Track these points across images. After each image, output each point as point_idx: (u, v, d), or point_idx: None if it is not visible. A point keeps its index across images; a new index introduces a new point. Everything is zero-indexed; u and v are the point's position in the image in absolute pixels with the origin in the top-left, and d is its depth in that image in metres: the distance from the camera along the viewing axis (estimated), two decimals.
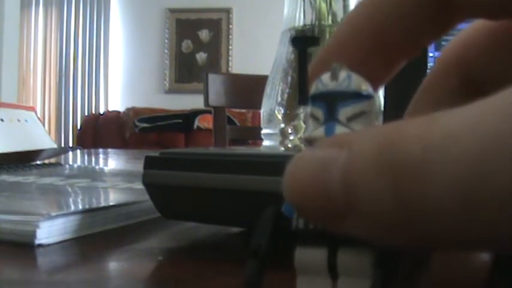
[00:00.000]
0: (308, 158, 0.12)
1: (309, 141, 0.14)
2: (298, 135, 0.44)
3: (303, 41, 0.16)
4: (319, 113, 0.14)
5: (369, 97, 0.14)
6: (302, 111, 0.44)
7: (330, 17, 0.49)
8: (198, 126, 3.39)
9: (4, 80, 2.87)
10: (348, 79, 0.14)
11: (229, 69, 3.97)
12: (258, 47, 3.62)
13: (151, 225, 0.36)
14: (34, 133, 0.76)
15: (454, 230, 0.11)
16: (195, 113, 3.39)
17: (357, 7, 0.17)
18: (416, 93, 0.19)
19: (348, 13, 0.18)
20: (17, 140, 0.70)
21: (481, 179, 0.10)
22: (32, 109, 0.82)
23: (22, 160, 0.66)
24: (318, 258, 0.13)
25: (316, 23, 0.49)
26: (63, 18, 4.14)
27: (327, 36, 0.49)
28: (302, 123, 0.44)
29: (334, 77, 0.14)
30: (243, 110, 3.10)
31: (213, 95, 1.49)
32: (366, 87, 0.14)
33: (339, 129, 0.14)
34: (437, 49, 1.02)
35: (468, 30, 0.18)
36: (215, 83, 1.51)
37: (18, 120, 0.74)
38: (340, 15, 0.49)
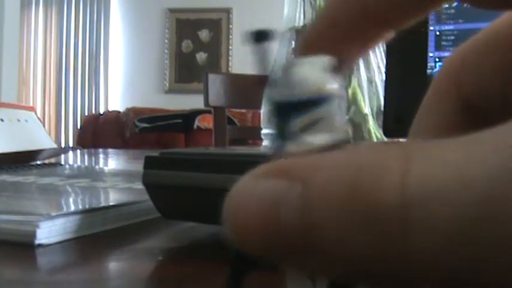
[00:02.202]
0: (253, 190, 0.11)
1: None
2: None
3: (261, 35, 0.14)
4: (275, 126, 0.12)
5: (324, 100, 0.12)
6: None
7: None
8: (198, 126, 3.39)
9: (4, 80, 2.87)
10: (300, 83, 0.12)
11: (229, 69, 3.97)
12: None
13: (151, 225, 0.36)
14: (34, 133, 0.76)
15: (441, 278, 0.10)
16: (195, 113, 3.39)
17: None
18: (416, 115, 0.18)
19: None
20: (17, 140, 0.70)
21: (475, 233, 0.09)
22: (32, 109, 0.82)
23: (22, 160, 0.66)
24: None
25: None
26: (63, 18, 4.14)
27: None
28: None
29: (283, 82, 0.12)
30: (243, 110, 3.10)
31: (213, 95, 1.49)
32: (320, 90, 0.12)
33: (289, 145, 0.12)
34: (437, 49, 1.01)
35: (465, 46, 0.17)
36: (215, 83, 1.51)
37: (18, 120, 0.74)
38: None
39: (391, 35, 0.16)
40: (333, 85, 0.12)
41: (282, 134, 0.12)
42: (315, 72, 0.12)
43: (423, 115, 0.17)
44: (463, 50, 0.17)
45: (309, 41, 0.16)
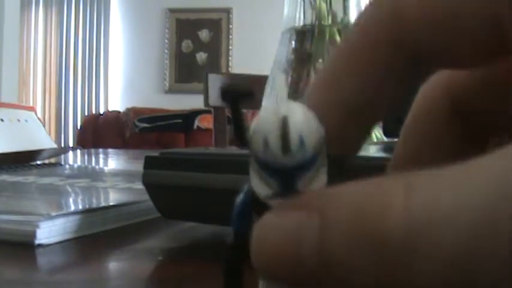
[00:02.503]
0: (277, 225, 0.11)
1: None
2: None
3: (233, 95, 0.13)
4: (272, 182, 0.12)
5: (322, 152, 0.12)
6: None
7: (329, 17, 0.49)
8: (198, 126, 3.39)
9: (4, 80, 2.87)
10: (301, 146, 0.12)
11: (229, 69, 3.96)
12: (258, 47, 3.62)
13: (151, 225, 0.36)
14: (34, 133, 0.76)
15: None
16: (195, 113, 3.39)
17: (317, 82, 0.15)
18: (404, 124, 0.17)
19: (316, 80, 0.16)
20: (17, 140, 0.70)
21: (476, 265, 0.09)
22: (32, 109, 0.82)
23: (22, 160, 0.66)
24: None
25: (316, 23, 0.49)
26: (63, 18, 4.14)
27: (327, 36, 0.49)
28: None
29: (285, 148, 0.12)
30: (243, 110, 3.10)
31: (213, 95, 1.49)
32: (318, 143, 0.12)
33: None
34: None
35: None
36: (215, 83, 1.51)
37: (18, 120, 0.74)
38: (340, 15, 0.49)
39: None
40: (321, 135, 0.12)
41: (288, 191, 0.12)
42: (308, 124, 0.12)
43: (410, 127, 0.17)
44: None
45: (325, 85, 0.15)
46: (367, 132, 0.15)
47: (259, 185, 0.13)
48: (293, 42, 0.50)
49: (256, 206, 0.13)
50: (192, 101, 3.51)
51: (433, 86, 0.17)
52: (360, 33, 0.14)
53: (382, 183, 0.11)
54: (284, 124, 0.12)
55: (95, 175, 0.57)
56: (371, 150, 0.34)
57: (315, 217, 0.11)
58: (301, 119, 0.12)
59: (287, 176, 0.12)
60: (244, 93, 0.13)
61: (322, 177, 0.12)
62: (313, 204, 0.11)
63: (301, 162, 0.12)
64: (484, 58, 0.14)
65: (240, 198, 0.14)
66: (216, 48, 4.02)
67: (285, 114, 0.12)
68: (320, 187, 0.12)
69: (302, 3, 0.50)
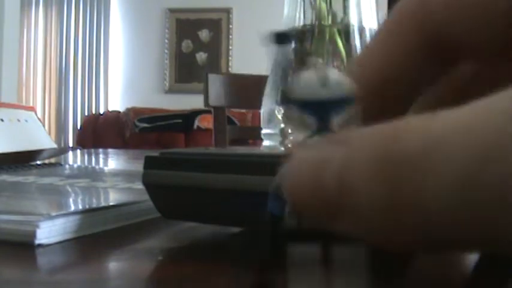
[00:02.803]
0: (305, 156, 0.12)
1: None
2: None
3: (280, 36, 0.16)
4: (311, 121, 0.14)
5: (353, 99, 0.14)
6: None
7: (330, 17, 0.49)
8: (198, 126, 3.39)
9: (4, 80, 2.87)
10: (337, 85, 0.14)
11: (229, 69, 3.97)
12: (258, 47, 3.62)
13: (151, 225, 0.36)
14: (34, 133, 0.76)
15: (452, 230, 0.10)
16: (195, 113, 3.39)
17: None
18: (370, 43, 0.18)
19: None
20: (17, 140, 0.71)
21: (482, 171, 0.10)
22: (32, 109, 0.82)
23: (22, 160, 0.66)
24: (311, 254, 0.13)
25: (316, 23, 0.49)
26: (63, 18, 4.14)
27: (327, 36, 0.49)
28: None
29: (323, 82, 0.14)
30: (243, 110, 3.10)
31: (213, 95, 1.49)
32: (350, 89, 0.14)
33: None
34: None
35: None
36: (215, 83, 1.51)
37: (18, 120, 0.74)
38: (340, 15, 0.49)
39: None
40: (354, 91, 0.14)
41: (324, 129, 0.14)
42: (340, 74, 0.14)
43: (377, 41, 0.17)
44: None
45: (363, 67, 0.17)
46: (399, 104, 0.17)
47: (298, 131, 0.14)
48: (293, 42, 0.50)
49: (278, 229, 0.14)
50: (192, 101, 3.51)
51: (406, 7, 0.17)
52: (393, 17, 0.16)
53: (403, 120, 0.11)
54: (323, 69, 0.14)
55: (95, 175, 0.57)
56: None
57: (340, 148, 0.12)
58: (338, 72, 0.14)
59: (323, 110, 0.14)
60: (292, 35, 0.15)
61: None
62: (343, 138, 0.12)
63: (337, 97, 0.13)
64: (502, 47, 0.15)
65: (275, 182, 0.15)
66: (216, 48, 4.02)
67: (323, 68, 0.14)
68: None
69: (302, 3, 0.50)
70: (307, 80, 0.14)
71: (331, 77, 0.14)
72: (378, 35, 0.17)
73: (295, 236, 0.13)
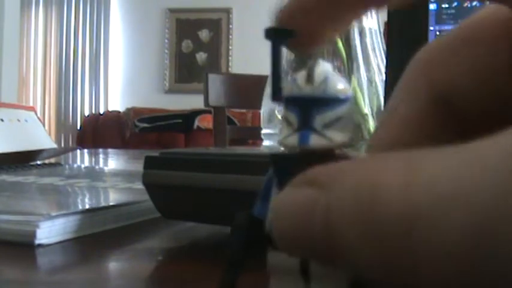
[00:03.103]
0: (290, 202, 0.12)
1: (284, 146, 0.14)
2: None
3: (276, 33, 0.15)
4: (293, 118, 0.13)
5: (345, 100, 0.13)
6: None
7: None
8: (198, 126, 3.39)
9: (4, 80, 2.87)
10: (325, 82, 0.13)
11: (229, 69, 3.97)
12: (258, 47, 3.62)
13: (151, 225, 0.36)
14: (34, 133, 0.76)
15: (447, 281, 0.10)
16: (195, 113, 3.39)
17: None
18: (383, 114, 0.18)
19: None
20: (17, 140, 0.70)
21: (489, 252, 0.09)
22: (32, 109, 0.82)
23: (22, 160, 0.66)
24: (291, 260, 0.13)
25: None
26: (63, 18, 4.14)
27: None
28: None
29: (309, 78, 0.13)
30: (243, 110, 3.10)
31: (213, 95, 1.49)
32: (343, 90, 0.13)
33: (314, 138, 0.13)
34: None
35: (434, 44, 0.17)
36: (215, 83, 1.51)
37: (18, 120, 0.74)
38: None
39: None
40: (350, 87, 0.13)
41: (305, 127, 0.13)
42: (335, 74, 0.13)
43: (391, 113, 0.17)
44: (433, 47, 0.17)
45: (286, 12, 0.16)
46: None
47: (282, 130, 0.13)
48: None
49: (253, 230, 0.14)
50: (192, 101, 3.51)
51: (415, 71, 0.17)
52: (402, 86, 0.17)
53: (383, 159, 0.11)
54: (312, 65, 0.13)
55: (95, 175, 0.57)
56: None
57: (322, 194, 0.11)
58: (330, 68, 0.13)
59: (306, 108, 0.13)
60: (287, 32, 0.14)
61: (342, 135, 0.13)
62: (321, 181, 0.12)
63: (321, 96, 0.13)
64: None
65: (238, 220, 0.15)
66: (216, 48, 4.02)
67: (315, 61, 0.13)
68: (337, 139, 0.13)
69: None
70: (296, 76, 0.13)
71: (321, 74, 0.13)
72: (391, 108, 0.17)
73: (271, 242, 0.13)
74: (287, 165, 0.13)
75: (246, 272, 0.14)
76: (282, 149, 0.14)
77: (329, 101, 0.13)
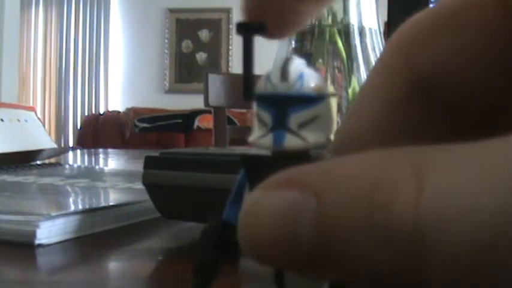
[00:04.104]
0: (268, 206, 0.11)
1: (257, 147, 0.13)
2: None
3: (248, 27, 0.14)
4: (267, 117, 0.12)
5: (322, 98, 0.12)
6: None
7: (330, 17, 0.49)
8: (198, 126, 3.39)
9: (4, 80, 2.87)
10: (300, 79, 0.12)
11: (229, 69, 3.96)
12: (258, 47, 3.61)
13: (151, 225, 0.36)
14: (34, 133, 0.76)
15: None
16: (195, 113, 3.39)
17: None
18: (360, 92, 0.17)
19: None
20: (17, 140, 0.70)
21: (490, 268, 0.09)
22: (32, 109, 0.82)
23: (22, 160, 0.66)
24: (264, 267, 0.12)
25: (316, 23, 0.49)
26: (63, 18, 4.14)
27: (327, 36, 0.49)
28: None
29: (284, 76, 0.12)
30: (243, 110, 3.10)
31: (213, 95, 1.49)
32: (319, 87, 0.12)
33: (289, 139, 0.12)
34: None
35: (411, 25, 0.15)
36: (215, 83, 1.51)
37: (18, 120, 0.74)
38: (340, 15, 0.49)
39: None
40: (328, 85, 0.12)
41: (279, 127, 0.12)
42: (311, 71, 0.12)
43: (369, 93, 0.16)
44: (412, 27, 0.15)
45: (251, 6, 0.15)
46: None
47: (256, 131, 0.13)
48: (293, 42, 0.50)
49: (224, 235, 0.13)
50: (192, 101, 3.50)
51: (395, 51, 0.15)
52: (378, 70, 0.16)
53: (388, 164, 0.10)
54: (286, 61, 0.12)
55: (95, 175, 0.57)
56: None
57: (310, 197, 0.10)
58: (304, 63, 0.12)
59: (281, 107, 0.12)
60: (258, 26, 0.14)
61: (319, 135, 0.12)
62: (308, 183, 0.11)
63: (296, 94, 0.12)
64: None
65: (208, 226, 0.14)
66: (216, 48, 4.02)
67: (289, 57, 0.12)
68: (313, 140, 0.12)
69: None
70: (269, 74, 0.12)
71: (296, 70, 0.12)
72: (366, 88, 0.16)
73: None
74: (260, 167, 0.12)
75: (217, 278, 0.14)
76: (254, 150, 0.13)
77: (305, 99, 0.12)
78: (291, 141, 0.12)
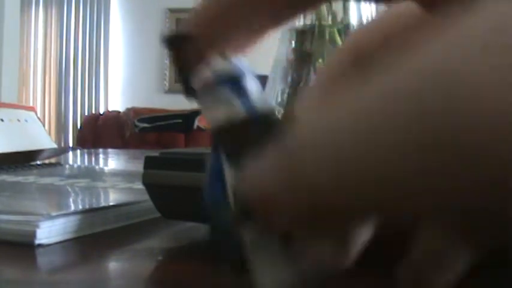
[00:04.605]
0: (269, 163, 0.13)
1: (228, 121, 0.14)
2: None
3: (169, 39, 0.15)
4: (227, 93, 0.14)
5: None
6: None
7: (330, 17, 0.49)
8: (198, 126, 3.39)
9: (4, 80, 2.87)
10: (239, 59, 0.14)
11: None
12: (258, 47, 3.61)
13: (151, 225, 0.36)
14: (34, 133, 0.76)
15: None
16: (195, 113, 3.39)
17: None
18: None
19: None
20: (17, 140, 0.70)
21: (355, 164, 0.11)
22: (32, 109, 0.82)
23: (22, 160, 0.66)
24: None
25: (316, 23, 0.49)
26: (63, 18, 4.14)
27: (327, 36, 0.49)
28: None
29: (224, 56, 0.14)
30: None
31: None
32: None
33: (257, 103, 0.14)
34: None
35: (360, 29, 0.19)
36: None
37: (18, 120, 0.74)
38: (340, 15, 0.49)
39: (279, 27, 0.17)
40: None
41: (242, 96, 0.14)
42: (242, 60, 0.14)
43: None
44: (361, 30, 0.19)
45: (198, 20, 0.16)
46: None
47: (217, 112, 0.14)
48: (293, 42, 0.50)
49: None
50: (192, 101, 3.50)
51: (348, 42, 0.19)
52: None
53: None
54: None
55: (95, 175, 0.57)
56: None
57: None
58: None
59: (236, 79, 0.14)
60: (182, 36, 0.15)
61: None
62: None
63: (243, 67, 0.14)
64: None
65: (210, 167, 0.15)
66: None
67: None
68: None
69: None
70: (212, 63, 0.14)
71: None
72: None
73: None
74: (236, 135, 0.14)
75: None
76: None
77: (249, 71, 0.14)
78: (260, 104, 0.14)
